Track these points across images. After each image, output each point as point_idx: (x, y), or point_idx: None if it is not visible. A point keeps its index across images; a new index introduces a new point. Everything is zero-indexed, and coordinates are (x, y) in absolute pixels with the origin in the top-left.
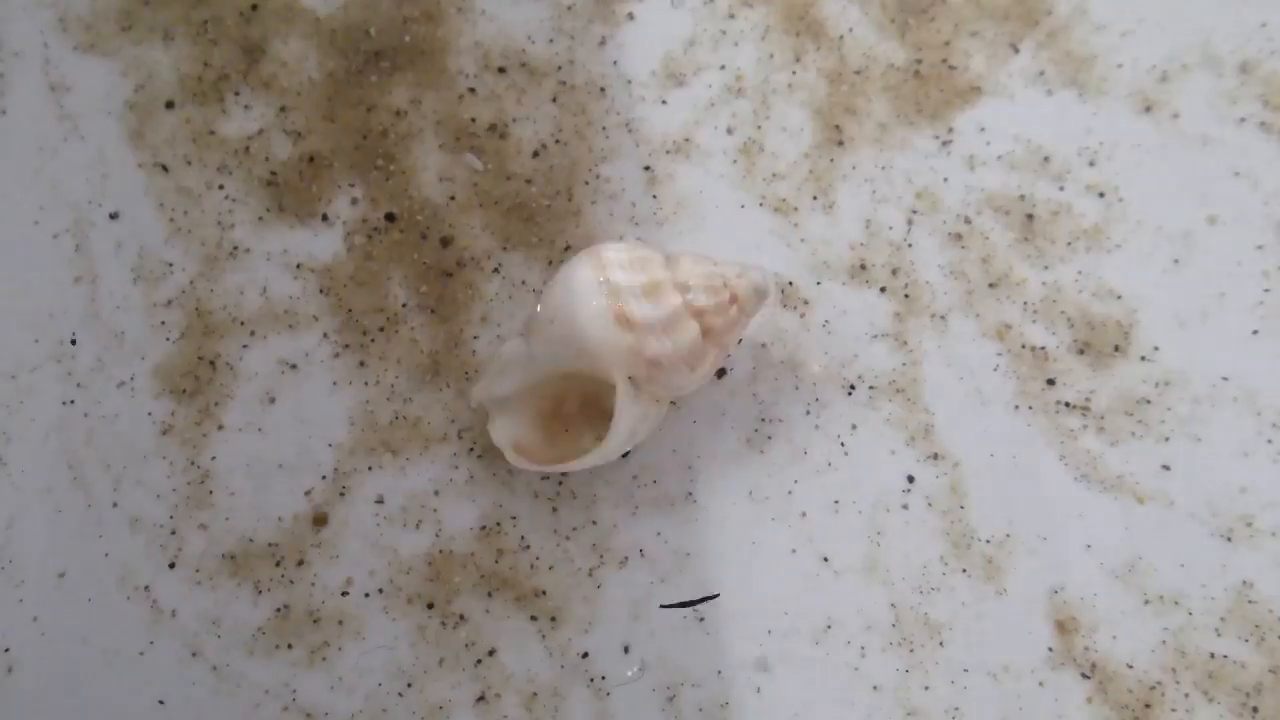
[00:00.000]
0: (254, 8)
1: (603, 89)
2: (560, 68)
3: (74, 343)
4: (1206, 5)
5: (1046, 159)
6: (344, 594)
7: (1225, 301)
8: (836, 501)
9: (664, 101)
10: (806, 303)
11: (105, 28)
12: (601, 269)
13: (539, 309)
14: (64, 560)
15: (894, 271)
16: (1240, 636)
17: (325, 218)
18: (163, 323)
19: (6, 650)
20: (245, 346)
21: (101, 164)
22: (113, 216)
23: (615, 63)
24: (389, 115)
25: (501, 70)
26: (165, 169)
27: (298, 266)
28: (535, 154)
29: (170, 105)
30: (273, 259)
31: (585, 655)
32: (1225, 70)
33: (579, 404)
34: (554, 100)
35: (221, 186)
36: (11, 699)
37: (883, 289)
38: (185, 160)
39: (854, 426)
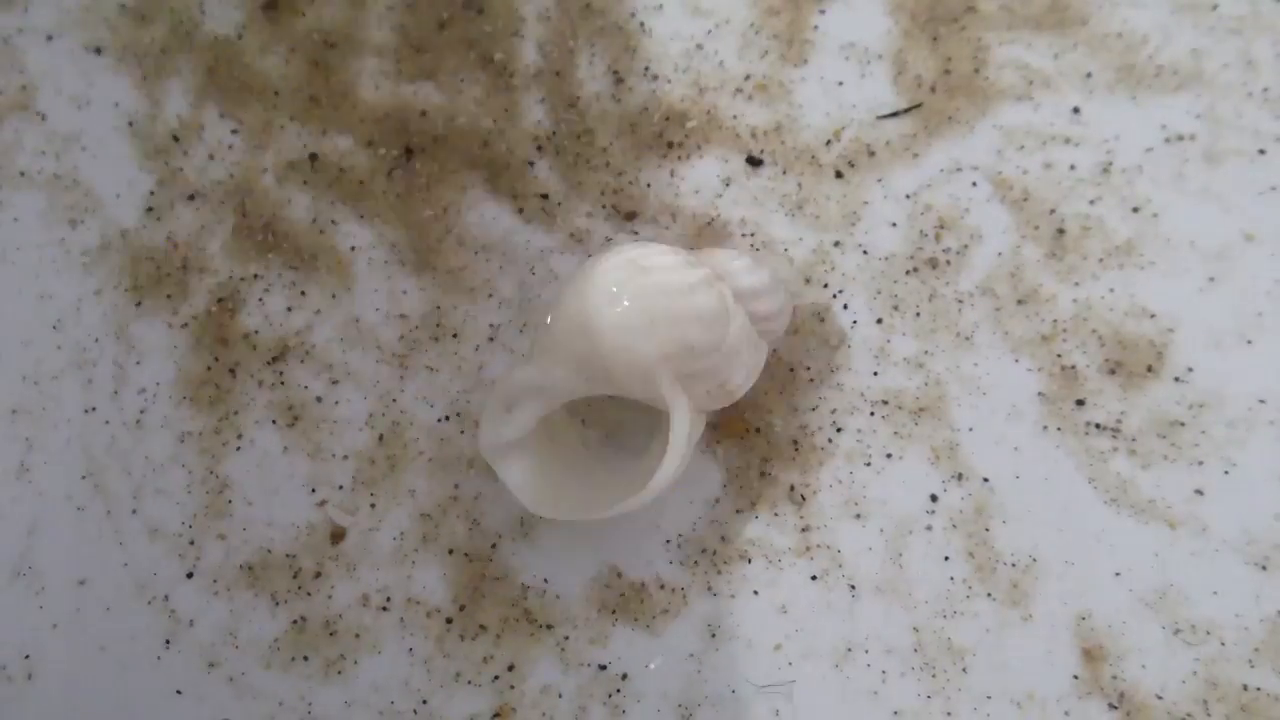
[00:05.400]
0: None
1: (619, 100)
2: (585, 67)
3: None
4: (1245, 18)
5: (1078, 173)
6: (362, 607)
7: (1262, 321)
8: (858, 516)
9: (688, 118)
10: (824, 321)
11: (129, 33)
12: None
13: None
14: (84, 568)
15: (921, 285)
16: (1275, 669)
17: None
18: (185, 328)
19: (26, 656)
20: (266, 358)
21: (127, 172)
22: (137, 224)
23: (646, 69)
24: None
25: (539, 75)
26: (188, 176)
27: (320, 275)
28: (546, 159)
29: (193, 123)
30: (295, 269)
31: (604, 668)
32: (1264, 83)
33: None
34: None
35: (250, 191)
36: (31, 704)
37: (908, 304)
38: (208, 168)
39: (876, 444)
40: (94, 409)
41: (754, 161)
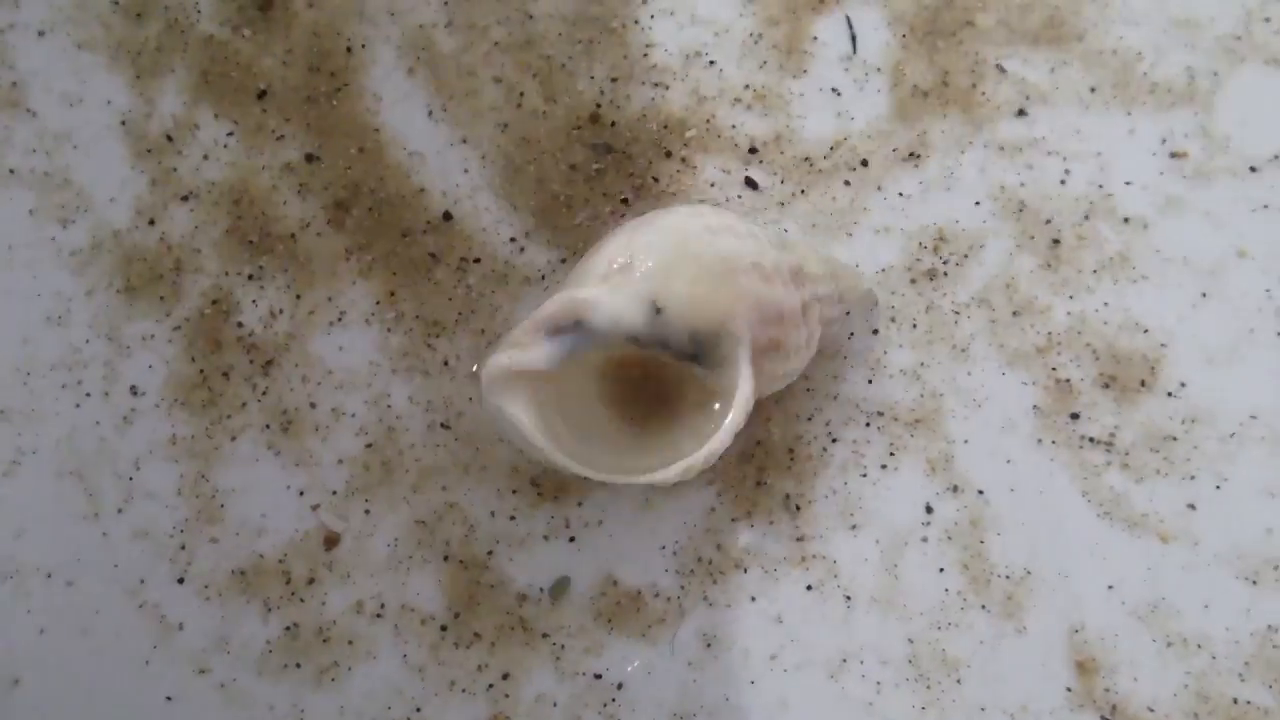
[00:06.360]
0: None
1: (618, 108)
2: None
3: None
4: (1238, 36)
5: (1072, 186)
6: (355, 613)
7: (1254, 337)
8: (854, 527)
9: (687, 127)
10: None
11: (122, 30)
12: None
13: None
14: (72, 571)
15: (918, 296)
16: (1265, 682)
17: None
18: (177, 330)
19: (13, 661)
20: (260, 361)
21: (119, 172)
22: (129, 224)
23: (645, 78)
24: None
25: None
26: (181, 177)
27: (314, 278)
28: (543, 165)
29: (187, 123)
30: (289, 272)
31: (599, 677)
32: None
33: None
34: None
35: (244, 192)
36: (17, 709)
37: (905, 315)
38: (202, 168)
39: (871, 455)
40: (84, 411)
41: (751, 184)
